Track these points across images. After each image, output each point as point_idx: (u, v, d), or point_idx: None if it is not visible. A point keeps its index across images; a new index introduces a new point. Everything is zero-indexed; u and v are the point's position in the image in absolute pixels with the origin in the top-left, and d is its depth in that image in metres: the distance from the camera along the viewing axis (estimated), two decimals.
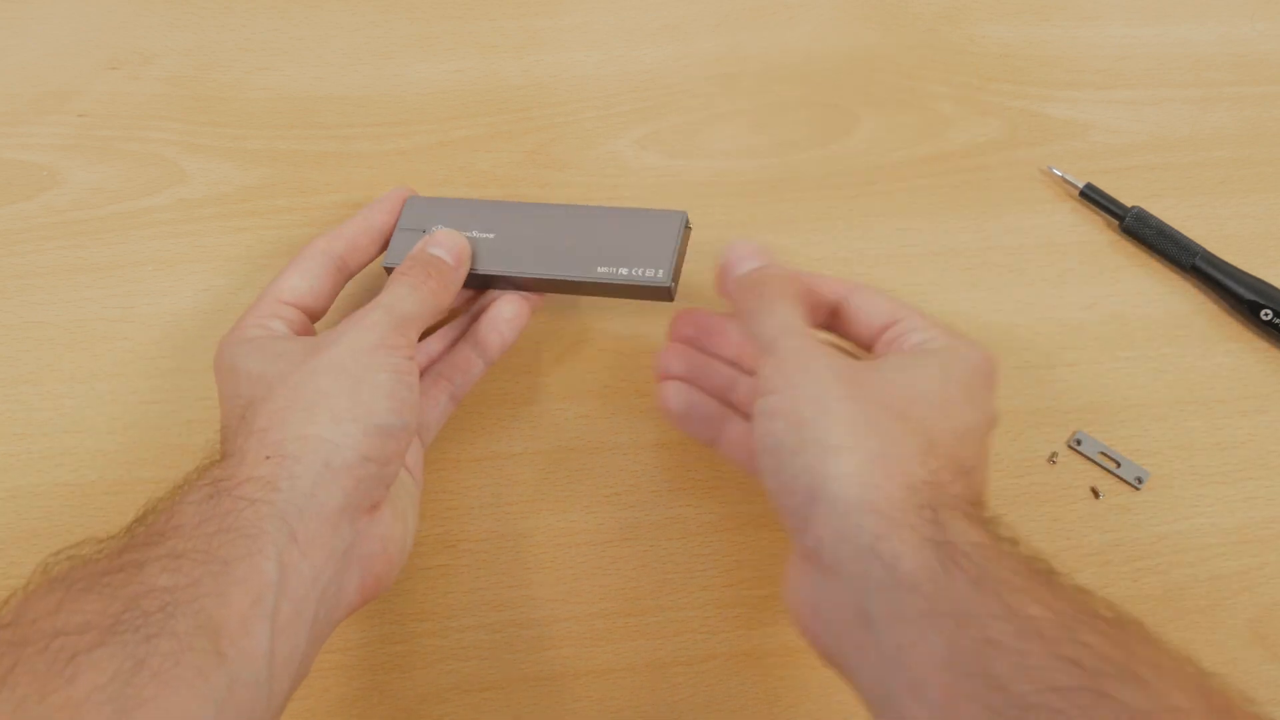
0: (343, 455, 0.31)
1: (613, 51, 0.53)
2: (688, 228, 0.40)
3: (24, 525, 0.41)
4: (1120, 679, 0.24)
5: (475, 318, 0.42)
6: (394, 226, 0.42)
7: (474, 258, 0.40)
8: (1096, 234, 0.49)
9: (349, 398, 0.32)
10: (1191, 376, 0.46)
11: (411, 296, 0.36)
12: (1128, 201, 0.49)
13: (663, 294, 0.39)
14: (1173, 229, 0.48)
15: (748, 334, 0.34)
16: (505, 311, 0.41)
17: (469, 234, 0.41)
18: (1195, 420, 0.45)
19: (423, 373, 0.41)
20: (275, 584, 0.28)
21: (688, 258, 0.41)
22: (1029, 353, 0.46)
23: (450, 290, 0.38)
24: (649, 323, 0.46)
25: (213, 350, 0.36)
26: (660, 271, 0.39)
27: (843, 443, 0.29)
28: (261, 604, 0.27)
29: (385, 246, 0.42)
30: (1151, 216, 0.48)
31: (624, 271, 0.39)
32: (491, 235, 0.41)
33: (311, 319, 0.39)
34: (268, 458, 0.30)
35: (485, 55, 0.53)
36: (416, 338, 0.36)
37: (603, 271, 0.39)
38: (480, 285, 0.42)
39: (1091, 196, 0.49)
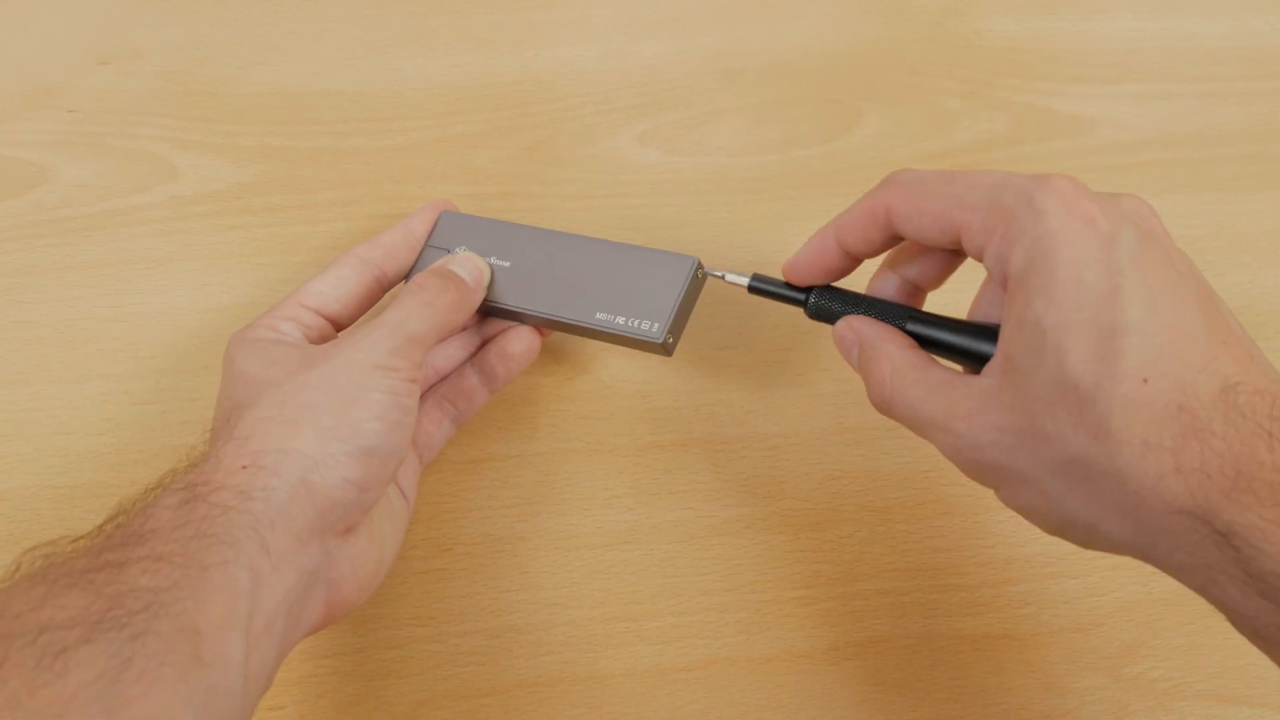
0: (322, 475, 0.30)
1: (612, 46, 0.53)
2: (700, 275, 0.38)
3: (13, 528, 0.40)
4: None
5: (487, 339, 0.41)
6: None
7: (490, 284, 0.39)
8: None
9: (337, 416, 0.31)
10: None
11: (422, 314, 0.34)
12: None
13: (658, 350, 0.38)
14: (870, 297, 0.36)
15: None
16: (515, 346, 0.40)
17: (489, 259, 0.40)
18: None
19: (427, 392, 0.40)
20: (249, 594, 0.27)
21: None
22: None
23: (465, 312, 0.37)
24: None
25: (205, 350, 0.36)
26: (655, 325, 0.37)
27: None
28: (236, 613, 0.27)
29: None
30: (840, 290, 0.36)
31: (620, 321, 0.37)
32: (508, 263, 0.40)
33: (337, 327, 0.38)
34: (244, 467, 0.29)
35: (482, 50, 0.52)
36: (421, 359, 0.34)
37: (601, 318, 0.38)
38: (487, 313, 0.41)
39: (759, 288, 0.37)
